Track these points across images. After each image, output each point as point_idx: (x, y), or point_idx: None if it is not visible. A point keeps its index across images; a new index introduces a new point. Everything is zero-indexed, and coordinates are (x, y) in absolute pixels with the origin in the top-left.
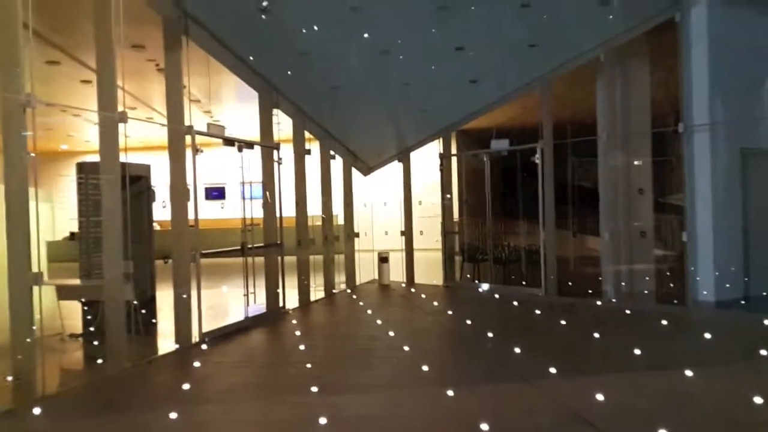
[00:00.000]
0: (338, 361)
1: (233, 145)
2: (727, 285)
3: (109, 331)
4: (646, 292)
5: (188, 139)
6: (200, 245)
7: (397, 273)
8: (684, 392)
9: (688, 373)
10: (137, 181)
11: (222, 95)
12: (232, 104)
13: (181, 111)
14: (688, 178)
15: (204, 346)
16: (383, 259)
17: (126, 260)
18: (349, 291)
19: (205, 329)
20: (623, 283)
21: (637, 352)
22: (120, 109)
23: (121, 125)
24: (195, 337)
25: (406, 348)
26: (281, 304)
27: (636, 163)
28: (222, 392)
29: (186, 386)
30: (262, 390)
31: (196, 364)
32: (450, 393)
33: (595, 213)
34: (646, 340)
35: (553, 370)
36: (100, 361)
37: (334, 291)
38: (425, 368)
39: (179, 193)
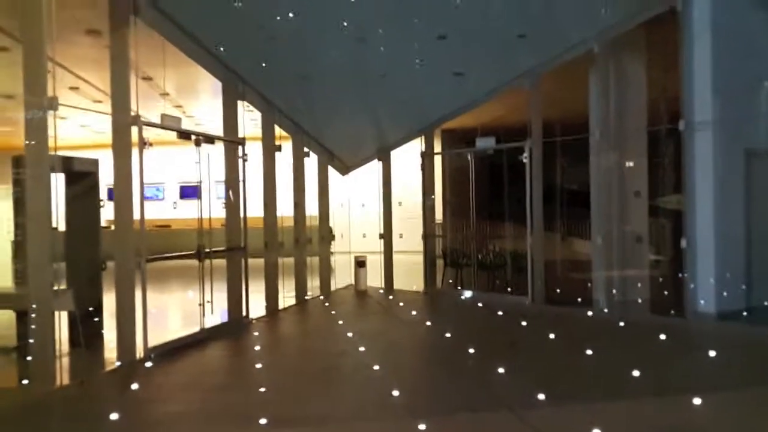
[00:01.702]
0: (297, 383)
1: (189, 138)
2: (729, 295)
3: (34, 348)
4: (639, 301)
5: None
6: (146, 249)
7: (375, 278)
8: (693, 426)
9: (696, 401)
10: (84, 178)
11: (198, 89)
12: (208, 100)
13: (127, 99)
14: (688, 180)
15: (148, 364)
16: (360, 264)
17: (55, 265)
18: (322, 298)
19: (154, 343)
20: (615, 292)
21: (636, 373)
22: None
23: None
24: (140, 353)
25: (376, 367)
26: (244, 314)
27: (629, 164)
28: (153, 425)
29: (113, 416)
30: (202, 421)
31: (134, 386)
32: (421, 427)
33: (584, 216)
34: (645, 359)
35: (541, 397)
36: (25, 381)
37: (306, 297)
38: (395, 393)
39: (123, 191)
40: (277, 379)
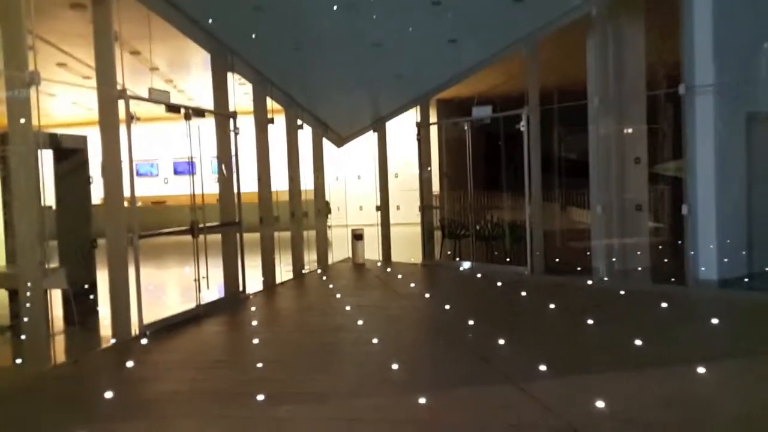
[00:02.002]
0: (294, 359)
1: (178, 112)
2: (730, 261)
3: (26, 327)
4: (639, 269)
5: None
6: (138, 225)
7: (373, 250)
8: (700, 396)
9: (701, 370)
10: (72, 155)
11: (189, 63)
12: (200, 74)
13: (113, 73)
14: (688, 145)
15: (144, 341)
16: (357, 236)
17: (45, 244)
18: (320, 271)
19: (149, 320)
20: (615, 260)
21: (639, 343)
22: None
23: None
24: (135, 330)
25: (375, 341)
26: (241, 289)
27: (628, 130)
28: (149, 403)
29: (108, 394)
30: (197, 399)
31: (129, 364)
32: (422, 401)
33: (582, 185)
34: (647, 328)
35: (543, 368)
36: (19, 361)
37: (303, 271)
38: (395, 367)
39: (111, 167)
40: (274, 355)
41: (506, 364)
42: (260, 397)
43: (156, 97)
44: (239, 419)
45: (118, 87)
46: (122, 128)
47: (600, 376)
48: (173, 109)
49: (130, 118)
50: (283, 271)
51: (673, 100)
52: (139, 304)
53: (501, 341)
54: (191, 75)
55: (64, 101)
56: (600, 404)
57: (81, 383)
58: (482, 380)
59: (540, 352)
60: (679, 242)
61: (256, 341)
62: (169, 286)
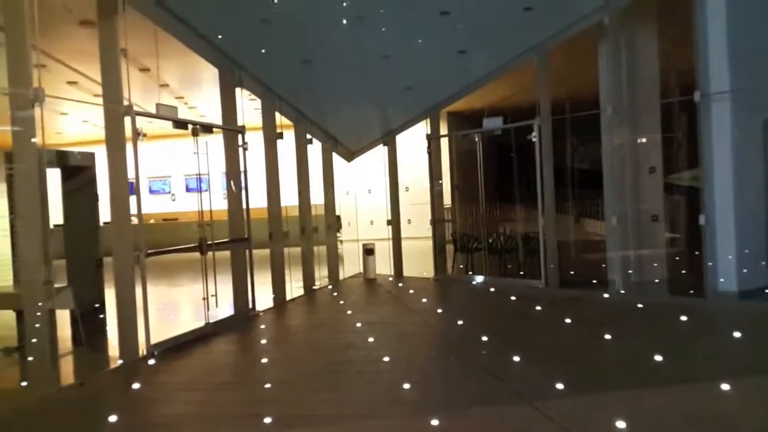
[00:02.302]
0: (304, 379)
1: (186, 128)
2: (750, 272)
3: (32, 348)
4: (657, 281)
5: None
6: (144, 243)
7: (384, 265)
8: (723, 413)
9: (725, 386)
10: (80, 173)
11: (200, 79)
12: (211, 90)
13: (119, 88)
14: (705, 153)
15: (152, 361)
16: (368, 251)
17: (48, 264)
18: (330, 287)
19: (157, 339)
20: (632, 273)
21: (659, 358)
22: (33, 86)
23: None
24: (143, 350)
25: (386, 359)
26: (250, 306)
27: (642, 139)
28: (154, 427)
29: (113, 418)
30: (204, 423)
31: (136, 386)
32: (434, 422)
33: (597, 196)
34: (667, 343)
35: (560, 386)
36: (25, 383)
37: (314, 287)
38: (406, 387)
39: (118, 184)
40: (283, 375)
41: (520, 382)
42: (268, 420)
43: (163, 113)
44: None
45: (125, 103)
46: (129, 146)
47: (619, 393)
48: (181, 125)
49: (137, 134)
50: (294, 288)
51: (687, 108)
52: (146, 323)
53: (515, 358)
54: (202, 91)
55: (76, 119)
56: (619, 424)
57: (86, 406)
58: (496, 399)
59: (556, 369)
60: (696, 253)
61: (264, 360)
62: (179, 305)
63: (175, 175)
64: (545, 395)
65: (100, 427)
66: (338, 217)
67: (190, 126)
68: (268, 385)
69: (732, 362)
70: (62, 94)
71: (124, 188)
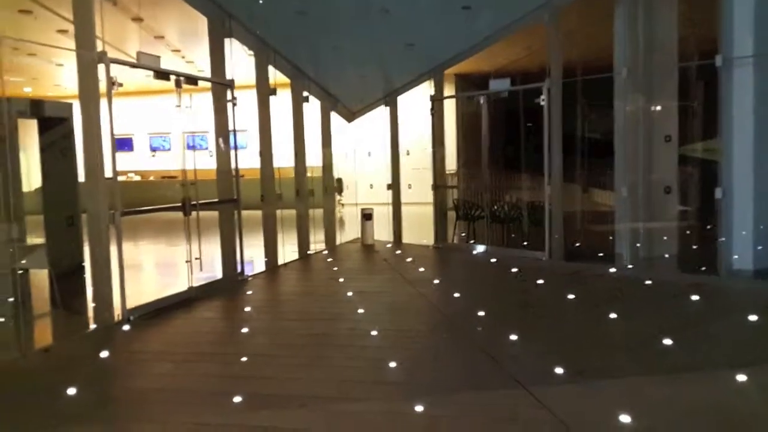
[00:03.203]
0: (283, 353)
1: (168, 79)
2: (767, 250)
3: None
4: (666, 256)
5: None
6: (120, 201)
7: (383, 230)
8: (737, 406)
9: (740, 376)
10: (56, 125)
11: (200, 34)
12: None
13: (92, 32)
14: (724, 122)
15: (126, 327)
16: (366, 216)
17: (17, 222)
18: (326, 252)
19: (136, 303)
20: (641, 247)
21: (667, 342)
22: None
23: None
24: (119, 315)
25: (374, 332)
26: (239, 270)
27: (657, 107)
28: (112, 402)
29: (70, 391)
30: (167, 400)
31: (104, 354)
32: (419, 408)
33: (605, 165)
34: (677, 325)
35: (560, 371)
36: None
37: (309, 252)
38: (392, 365)
39: (92, 138)
40: (262, 348)
41: (517, 364)
42: (237, 399)
43: (144, 61)
44: (208, 428)
45: (98, 48)
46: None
47: (623, 381)
48: (162, 75)
49: (112, 84)
50: (289, 252)
51: (704, 74)
52: (122, 286)
53: (513, 337)
54: (202, 46)
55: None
56: (623, 417)
57: (44, 376)
58: (488, 384)
59: (556, 351)
60: (708, 227)
61: (245, 330)
62: (165, 267)
63: (175, 132)
64: (543, 380)
65: (48, 401)
66: (339, 180)
67: (172, 78)
68: (244, 359)
69: (746, 348)
70: (53, 43)
71: (97, 142)
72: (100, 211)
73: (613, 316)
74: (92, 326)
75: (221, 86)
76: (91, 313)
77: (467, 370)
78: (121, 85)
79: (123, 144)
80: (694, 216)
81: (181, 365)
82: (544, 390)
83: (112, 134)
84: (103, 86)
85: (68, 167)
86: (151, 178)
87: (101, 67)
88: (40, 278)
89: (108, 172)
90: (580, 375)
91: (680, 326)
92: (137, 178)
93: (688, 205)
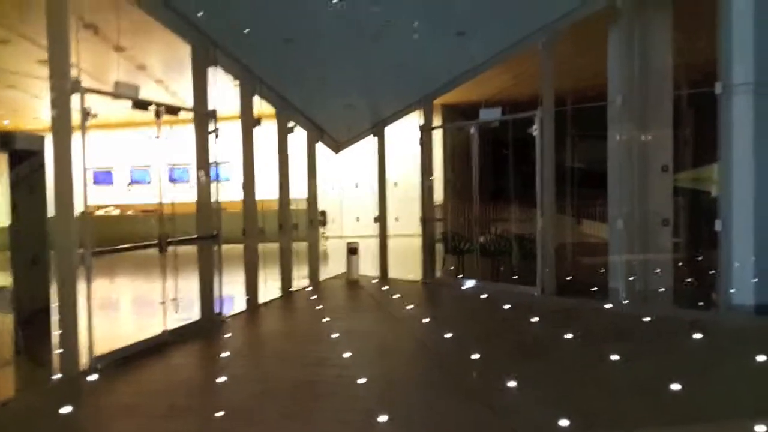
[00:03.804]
0: (264, 405)
1: (146, 109)
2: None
3: None
4: (662, 290)
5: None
6: (91, 240)
7: (370, 264)
8: None
9: (759, 427)
10: (26, 159)
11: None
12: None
13: (67, 61)
14: (724, 151)
15: (93, 377)
16: (352, 251)
17: None
18: (309, 289)
19: (106, 350)
20: (637, 281)
21: (676, 387)
22: None
23: None
24: (85, 363)
25: (362, 380)
26: (217, 311)
27: (649, 136)
28: None
29: None
30: None
31: (66, 410)
32: None
33: (596, 196)
34: (683, 366)
35: (565, 424)
36: None
37: (291, 289)
38: (383, 419)
39: (63, 172)
40: (241, 400)
41: (517, 414)
42: None
43: (122, 91)
44: None
45: (73, 78)
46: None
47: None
48: (141, 105)
49: (86, 114)
50: (271, 289)
51: (696, 102)
52: (89, 332)
53: (511, 383)
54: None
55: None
56: None
57: None
58: None
59: (558, 398)
60: (699, 259)
61: (223, 379)
62: (138, 307)
63: (155, 165)
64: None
65: None
66: (323, 212)
67: (152, 108)
68: (220, 413)
69: (761, 394)
70: (33, 73)
71: (68, 176)
72: (69, 250)
73: (615, 357)
74: (56, 376)
75: (203, 117)
76: (56, 362)
77: (465, 424)
78: (95, 115)
79: (103, 177)
80: (684, 248)
81: (151, 421)
82: None
83: (85, 168)
84: (77, 117)
85: (37, 203)
86: (130, 212)
87: (76, 97)
88: (4, 322)
89: (79, 208)
90: (586, 426)
91: (688, 368)
92: (117, 212)
93: (678, 237)
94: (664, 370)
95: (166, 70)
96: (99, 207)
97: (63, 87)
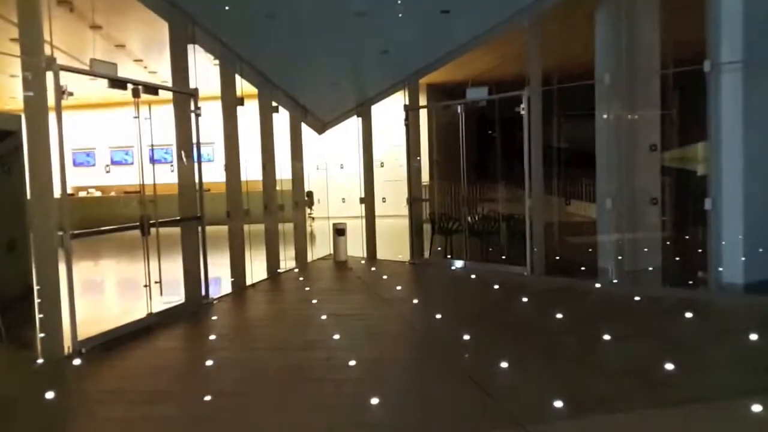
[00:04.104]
0: (251, 390)
1: (124, 88)
2: (759, 262)
3: None
4: (650, 269)
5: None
6: (69, 222)
7: (357, 246)
8: None
9: (756, 407)
10: (2, 139)
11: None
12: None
13: (39, 36)
14: (713, 130)
15: (77, 361)
16: (339, 232)
17: None
18: (297, 270)
19: (89, 333)
20: (625, 260)
21: (669, 366)
22: None
23: None
24: (68, 347)
25: (352, 363)
26: (203, 293)
27: (639, 114)
28: None
29: None
30: None
31: (49, 395)
32: None
33: (582, 175)
34: (676, 347)
35: (559, 404)
36: None
37: (279, 270)
38: (374, 402)
39: (39, 153)
40: (227, 384)
41: (511, 397)
42: None
43: (98, 69)
44: None
45: (47, 55)
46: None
47: (630, 415)
48: (118, 84)
49: (61, 93)
50: (258, 270)
51: (680, 81)
52: (71, 315)
53: (503, 364)
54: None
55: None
56: None
57: None
58: (483, 422)
59: (551, 381)
60: (686, 237)
61: (209, 363)
62: (123, 290)
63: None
64: (541, 416)
65: None
66: (310, 193)
67: (129, 87)
68: (206, 398)
69: (755, 374)
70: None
71: (44, 157)
72: (47, 233)
73: (607, 337)
74: (38, 361)
75: (184, 96)
76: (40, 347)
77: (458, 406)
78: (71, 94)
79: (84, 158)
80: (671, 227)
81: (134, 407)
82: (544, 428)
83: (61, 148)
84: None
85: (13, 185)
86: (112, 194)
87: (50, 75)
88: None
89: (57, 190)
90: (582, 408)
91: (682, 348)
92: (98, 193)
93: (665, 216)
94: (656, 350)
95: (145, 49)
96: (80, 188)
97: (36, 65)
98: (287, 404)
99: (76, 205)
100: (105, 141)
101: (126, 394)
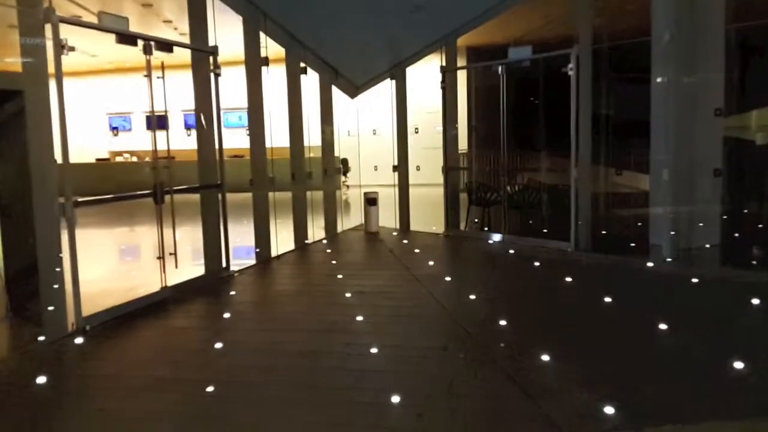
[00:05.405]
0: (263, 379)
1: (134, 44)
2: None
3: None
4: (707, 246)
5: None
6: (71, 189)
7: (389, 216)
8: None
9: None
10: (7, 101)
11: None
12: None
13: None
14: None
15: (79, 340)
16: (370, 201)
17: None
18: (325, 241)
19: (95, 309)
20: (679, 237)
21: (748, 369)
22: None
23: None
24: (72, 324)
25: (374, 350)
26: (224, 265)
27: (701, 76)
28: None
29: None
30: None
31: (40, 380)
32: None
33: (633, 145)
34: (756, 344)
35: (610, 410)
36: None
37: (306, 242)
38: (396, 400)
39: (39, 113)
40: (237, 371)
41: (555, 399)
42: None
43: (106, 23)
44: None
45: (45, 5)
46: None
47: (697, 428)
48: (127, 39)
49: (60, 47)
50: (285, 241)
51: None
52: (75, 290)
53: (545, 358)
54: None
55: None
56: None
57: None
58: (520, 426)
59: (603, 381)
60: (744, 212)
61: (219, 346)
62: (138, 261)
63: (173, 111)
64: (589, 425)
65: None
66: (344, 160)
67: (140, 43)
68: (211, 388)
69: None
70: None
71: (45, 118)
72: (48, 202)
73: (665, 327)
74: (40, 338)
75: (202, 54)
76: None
77: (491, 408)
78: (72, 49)
79: (121, 122)
80: (729, 201)
81: (134, 395)
82: None
83: (62, 110)
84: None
85: (14, 149)
86: (134, 159)
87: (48, 28)
88: None
89: (59, 155)
90: (636, 417)
91: (755, 346)
92: (134, 159)
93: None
94: (726, 348)
95: (177, 10)
96: (117, 153)
97: (34, 16)
98: (302, 397)
99: (106, 173)
100: (138, 106)
101: (125, 379)
